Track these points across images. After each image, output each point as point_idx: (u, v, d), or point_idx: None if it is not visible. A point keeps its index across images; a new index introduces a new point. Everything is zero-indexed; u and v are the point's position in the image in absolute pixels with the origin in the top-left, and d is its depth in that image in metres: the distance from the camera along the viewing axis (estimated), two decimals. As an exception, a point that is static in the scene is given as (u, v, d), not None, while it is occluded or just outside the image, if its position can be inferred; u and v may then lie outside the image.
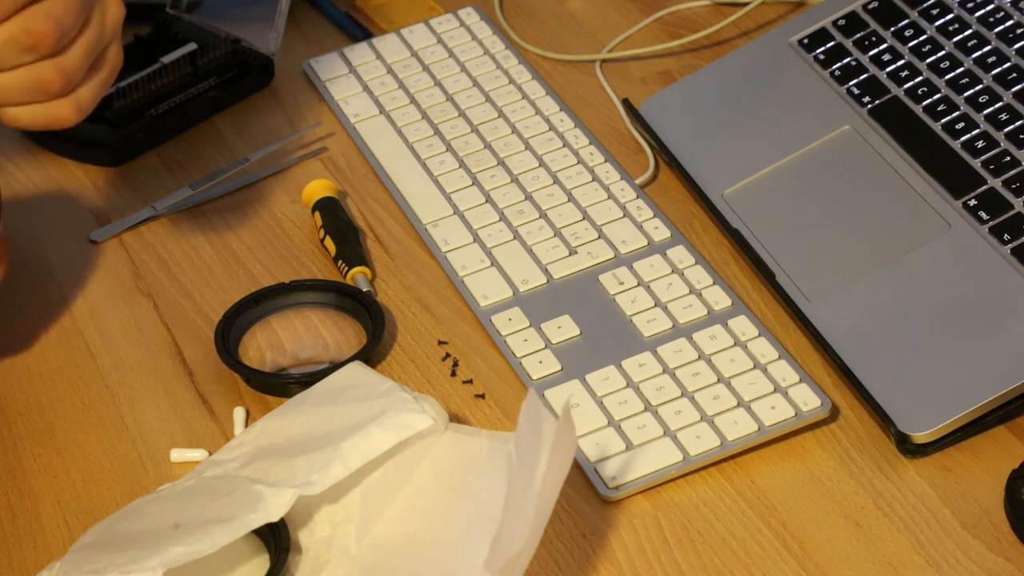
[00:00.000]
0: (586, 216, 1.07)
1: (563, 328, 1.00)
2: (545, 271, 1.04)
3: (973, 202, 1.01)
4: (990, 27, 1.10)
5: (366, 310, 1.01)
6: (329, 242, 1.07)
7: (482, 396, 0.98)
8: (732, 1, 1.26)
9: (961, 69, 1.08)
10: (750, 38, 1.23)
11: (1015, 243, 0.98)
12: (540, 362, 0.98)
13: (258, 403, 0.98)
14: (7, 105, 0.86)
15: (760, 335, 0.98)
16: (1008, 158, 1.02)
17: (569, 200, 1.09)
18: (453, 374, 0.99)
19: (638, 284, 1.02)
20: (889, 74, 1.10)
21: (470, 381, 0.99)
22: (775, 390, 0.94)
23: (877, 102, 1.09)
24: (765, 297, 1.03)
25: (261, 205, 1.13)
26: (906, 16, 1.13)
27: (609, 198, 1.08)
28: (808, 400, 0.93)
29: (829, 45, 1.14)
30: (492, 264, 1.05)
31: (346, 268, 1.05)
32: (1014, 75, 1.06)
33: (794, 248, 1.02)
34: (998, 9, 1.11)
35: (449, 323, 1.03)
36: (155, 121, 1.17)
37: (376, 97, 1.20)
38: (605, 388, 0.95)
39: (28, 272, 1.08)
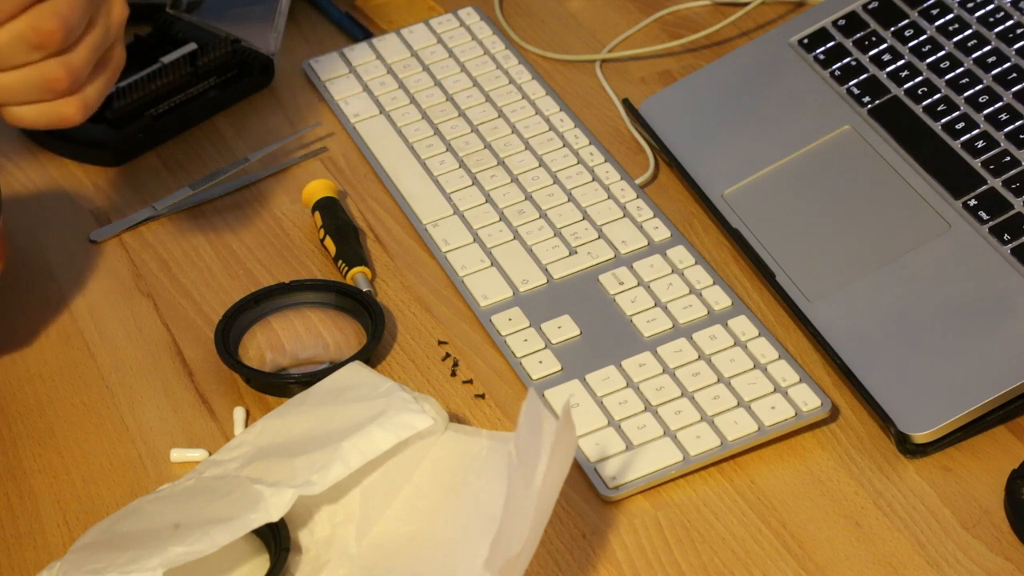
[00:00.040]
0: (586, 216, 1.07)
1: (563, 328, 1.00)
2: (545, 271, 1.04)
3: (973, 202, 1.01)
4: (990, 27, 1.10)
5: (366, 310, 1.01)
6: (329, 242, 1.07)
7: (482, 396, 0.98)
8: (732, 1, 1.26)
9: (961, 69, 1.08)
10: (750, 38, 1.23)
11: (1015, 243, 0.98)
12: (540, 362, 0.98)
13: (258, 403, 0.98)
14: (13, 104, 0.86)
15: (760, 335, 0.97)
16: (1008, 158, 1.02)
17: (569, 200, 1.09)
18: (453, 374, 0.99)
19: (638, 284, 1.02)
20: (889, 74, 1.10)
21: (470, 381, 0.99)
22: (775, 390, 0.94)
23: (877, 102, 1.09)
24: (765, 297, 1.03)
25: (261, 205, 1.13)
26: (906, 16, 1.13)
27: (609, 198, 1.08)
28: (808, 400, 0.93)
29: (829, 45, 1.14)
30: (492, 264, 1.05)
31: (346, 268, 1.05)
32: (1014, 75, 1.06)
33: (794, 248, 1.02)
34: (998, 9, 1.10)
35: (449, 323, 1.03)
36: (155, 121, 1.17)
37: (376, 97, 1.20)
38: (605, 388, 0.95)
39: (28, 272, 1.08)
